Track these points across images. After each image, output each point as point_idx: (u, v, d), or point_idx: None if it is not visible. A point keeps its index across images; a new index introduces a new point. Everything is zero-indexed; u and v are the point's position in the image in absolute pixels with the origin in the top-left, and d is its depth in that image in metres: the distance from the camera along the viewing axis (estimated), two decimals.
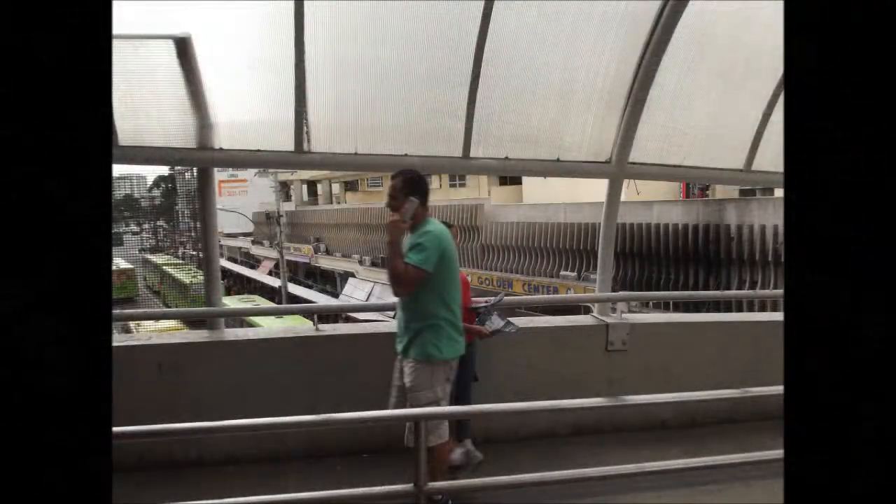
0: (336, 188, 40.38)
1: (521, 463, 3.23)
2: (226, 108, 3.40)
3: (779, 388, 2.38)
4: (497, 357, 3.64)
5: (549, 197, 20.31)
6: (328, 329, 3.70)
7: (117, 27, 3.22)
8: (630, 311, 4.32)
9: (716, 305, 10.77)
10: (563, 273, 18.91)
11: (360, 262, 27.85)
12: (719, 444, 3.28)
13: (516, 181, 25.36)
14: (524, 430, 3.79)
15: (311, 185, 41.85)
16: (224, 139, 3.46)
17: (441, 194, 28.78)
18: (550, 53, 3.61)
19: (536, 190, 22.86)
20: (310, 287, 31.32)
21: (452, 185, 29.71)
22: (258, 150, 3.48)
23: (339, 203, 38.68)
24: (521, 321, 3.83)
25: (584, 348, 3.90)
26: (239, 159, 3.72)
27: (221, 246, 36.80)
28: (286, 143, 3.46)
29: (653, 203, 16.15)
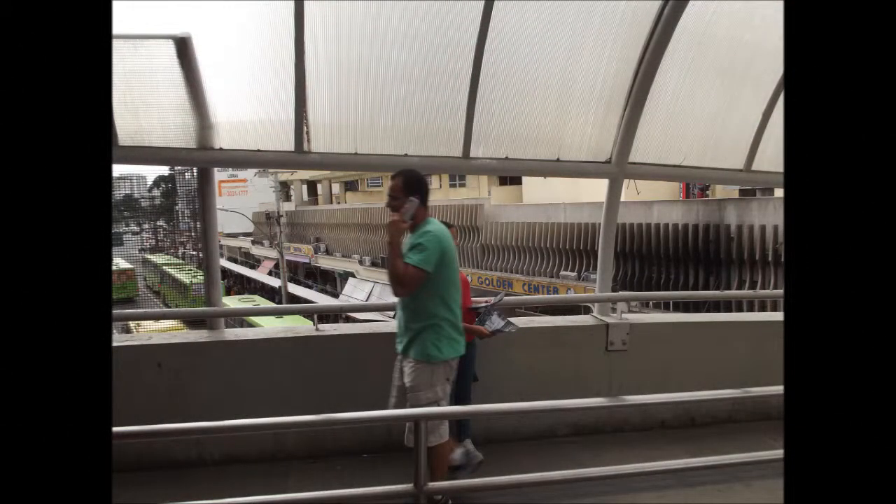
0: (336, 188, 40.37)
1: (522, 463, 3.24)
2: (226, 108, 3.40)
3: (779, 388, 2.38)
4: (497, 357, 3.64)
5: (549, 197, 20.30)
6: (328, 329, 3.69)
7: (117, 27, 3.21)
8: (630, 311, 4.31)
9: (716, 305, 10.77)
10: (563, 273, 18.90)
11: (360, 262, 27.85)
12: (719, 443, 3.28)
13: (516, 181, 25.36)
14: (524, 429, 3.79)
15: (311, 185, 41.83)
16: (224, 139, 3.46)
17: (441, 194, 28.76)
18: (550, 53, 3.61)
19: (536, 190, 22.86)
20: (310, 287, 31.33)
21: (452, 185, 29.70)
22: (258, 150, 3.48)
23: (339, 203, 38.68)
24: (521, 321, 3.83)
25: (584, 348, 3.90)
26: (239, 159, 3.72)
27: (221, 246, 36.82)
28: (286, 143, 3.45)
29: (653, 203, 16.15)
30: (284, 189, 38.91)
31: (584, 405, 3.41)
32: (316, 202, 40.98)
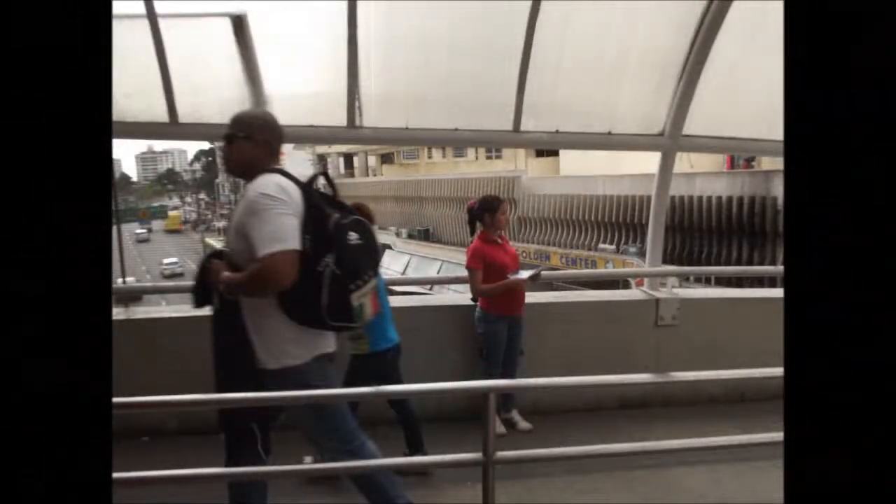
0: (372, 160, 40.52)
1: (571, 435, 3.27)
2: (280, 83, 3.44)
3: None
4: (544, 331, 3.67)
5: (586, 169, 19.93)
6: None
7: (175, 6, 3.25)
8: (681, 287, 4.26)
9: (759, 281, 10.52)
10: (601, 246, 18.70)
11: (397, 235, 28.09)
12: (771, 420, 3.23)
13: (553, 153, 24.95)
14: (571, 402, 3.81)
15: (348, 157, 42.09)
16: (278, 114, 3.50)
17: (477, 166, 28.61)
18: (605, 23, 3.51)
19: (574, 162, 22.48)
20: None
21: (489, 157, 29.46)
22: (311, 126, 3.51)
23: (375, 175, 38.86)
24: (571, 296, 3.84)
25: (633, 323, 3.88)
26: (293, 135, 3.76)
27: None
28: (339, 117, 3.47)
29: (695, 175, 15.73)
30: (322, 161, 39.27)
31: (632, 381, 3.40)
32: (352, 175, 41.26)
